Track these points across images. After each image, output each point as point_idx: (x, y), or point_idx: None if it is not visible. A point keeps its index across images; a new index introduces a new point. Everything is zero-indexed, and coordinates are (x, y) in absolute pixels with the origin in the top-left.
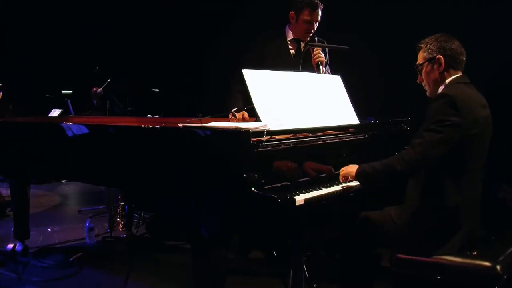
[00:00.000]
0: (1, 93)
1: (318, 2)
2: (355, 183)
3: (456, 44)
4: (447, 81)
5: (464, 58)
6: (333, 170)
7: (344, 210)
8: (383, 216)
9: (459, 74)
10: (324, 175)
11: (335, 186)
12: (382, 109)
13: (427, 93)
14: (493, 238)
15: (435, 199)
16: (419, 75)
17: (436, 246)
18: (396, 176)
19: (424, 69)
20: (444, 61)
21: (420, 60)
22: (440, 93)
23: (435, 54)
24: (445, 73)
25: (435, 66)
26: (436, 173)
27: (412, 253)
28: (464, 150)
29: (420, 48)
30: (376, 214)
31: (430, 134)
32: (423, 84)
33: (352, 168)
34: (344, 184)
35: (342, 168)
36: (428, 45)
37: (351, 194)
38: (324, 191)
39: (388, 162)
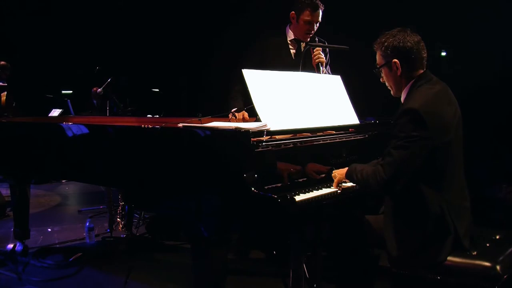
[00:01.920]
0: (5, 92)
1: (319, 2)
2: (353, 184)
3: (412, 42)
4: (409, 84)
5: (424, 53)
6: (333, 171)
7: (344, 210)
8: (378, 220)
9: (421, 72)
10: (324, 175)
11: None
12: (382, 109)
13: (392, 93)
14: (493, 238)
15: (417, 209)
16: (380, 77)
17: (429, 254)
18: (372, 191)
19: (383, 72)
20: (401, 64)
21: (378, 62)
22: (404, 109)
23: (390, 58)
24: (405, 76)
25: (393, 69)
26: (413, 185)
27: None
28: (438, 157)
29: (376, 49)
30: (372, 218)
31: (399, 152)
32: (386, 84)
33: (342, 171)
34: (344, 185)
35: (335, 173)
36: (383, 47)
37: (350, 195)
38: (324, 191)
39: (366, 177)
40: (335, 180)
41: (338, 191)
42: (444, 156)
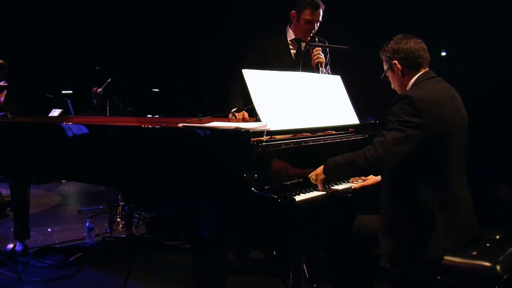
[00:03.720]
0: (5, 91)
1: (320, 2)
2: (353, 184)
3: (411, 43)
4: (410, 82)
5: (425, 54)
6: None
7: (343, 210)
8: (376, 220)
9: (422, 72)
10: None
11: (335, 186)
12: (382, 109)
13: None
14: (493, 238)
15: (410, 205)
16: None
17: (420, 252)
18: (359, 172)
19: (389, 76)
20: (400, 64)
21: (384, 69)
22: (398, 95)
23: (391, 61)
24: (406, 76)
25: (395, 71)
26: (409, 178)
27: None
28: (433, 151)
29: (381, 57)
30: (370, 218)
31: (391, 133)
32: (397, 90)
33: (320, 169)
34: (345, 185)
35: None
36: (385, 53)
37: (350, 195)
38: (324, 191)
39: (351, 159)
40: (318, 181)
41: (339, 191)
42: (439, 151)
